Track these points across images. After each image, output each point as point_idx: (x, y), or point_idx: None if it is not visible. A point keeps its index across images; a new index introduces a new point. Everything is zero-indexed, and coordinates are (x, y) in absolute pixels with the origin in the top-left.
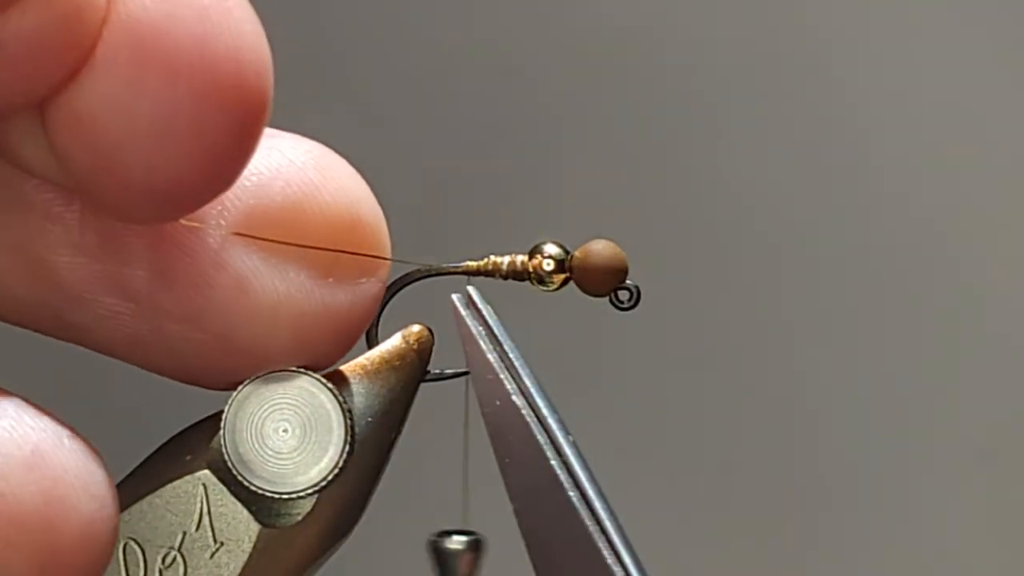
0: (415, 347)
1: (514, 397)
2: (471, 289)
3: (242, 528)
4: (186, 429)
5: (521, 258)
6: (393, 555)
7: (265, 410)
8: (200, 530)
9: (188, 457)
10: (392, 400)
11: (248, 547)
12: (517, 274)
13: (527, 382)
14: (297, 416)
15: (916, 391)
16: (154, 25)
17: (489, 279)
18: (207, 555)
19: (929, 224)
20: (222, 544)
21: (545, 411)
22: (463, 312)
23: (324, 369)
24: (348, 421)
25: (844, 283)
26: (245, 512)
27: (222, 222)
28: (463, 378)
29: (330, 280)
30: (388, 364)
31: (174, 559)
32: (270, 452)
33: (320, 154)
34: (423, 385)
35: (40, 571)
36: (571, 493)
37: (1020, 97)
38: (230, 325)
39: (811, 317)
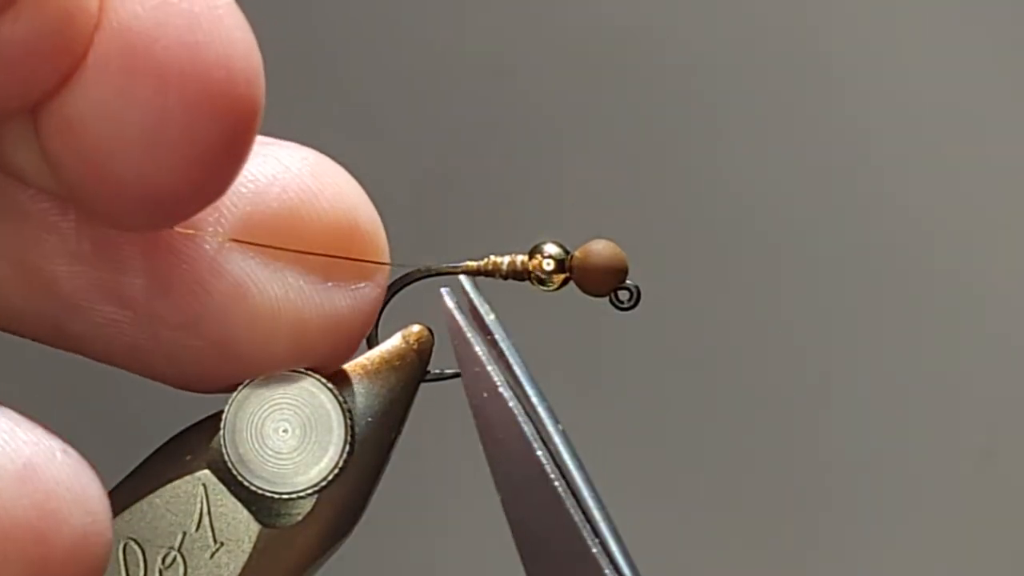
0: (415, 347)
1: (501, 389)
2: (463, 279)
3: (242, 528)
4: (186, 429)
5: (521, 258)
6: (393, 555)
7: (265, 410)
8: (200, 530)
9: (188, 457)
10: (392, 400)
11: (248, 547)
12: (517, 274)
13: (517, 372)
14: (297, 416)
15: (916, 391)
16: (145, 32)
17: (489, 279)
18: (207, 555)
19: (929, 224)
20: (222, 544)
21: (535, 400)
22: (451, 305)
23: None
24: (348, 421)
25: (844, 283)
26: (245, 512)
27: (219, 229)
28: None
29: (329, 285)
30: (388, 364)
31: (174, 559)
32: (270, 452)
33: (316, 161)
34: (423, 385)
35: None
36: (557, 483)
37: (1020, 97)
38: (229, 331)
39: (811, 317)
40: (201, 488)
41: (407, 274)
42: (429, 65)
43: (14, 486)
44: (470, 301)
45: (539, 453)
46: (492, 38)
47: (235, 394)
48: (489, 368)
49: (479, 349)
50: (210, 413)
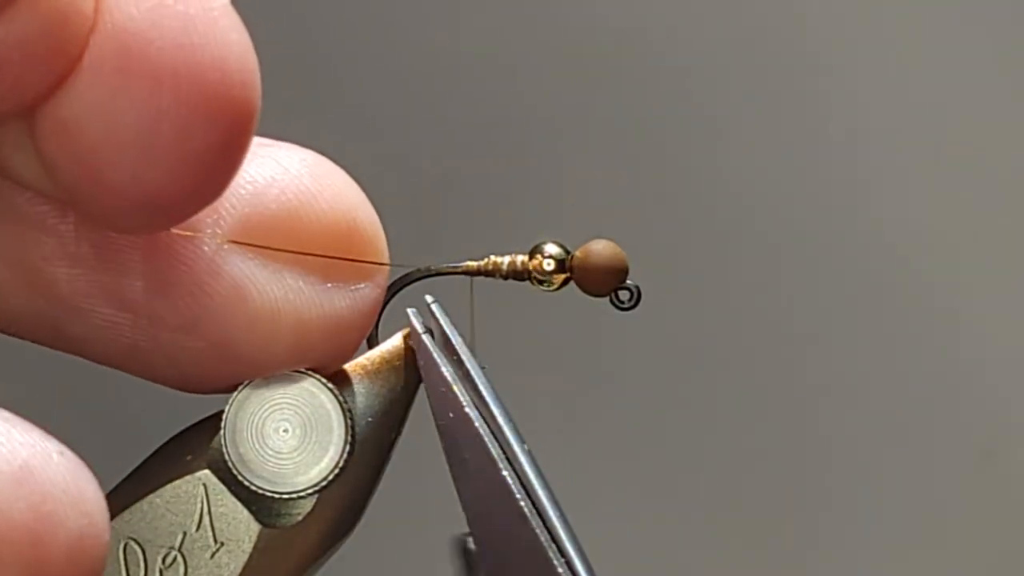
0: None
1: (467, 409)
2: (429, 298)
3: (242, 528)
4: (186, 429)
5: (521, 258)
6: (394, 555)
7: (265, 410)
8: (200, 530)
9: (188, 457)
10: (392, 400)
11: (248, 547)
12: (517, 274)
13: (484, 393)
14: (297, 416)
15: (917, 391)
16: (140, 34)
17: (489, 279)
18: (207, 555)
19: (930, 224)
20: (222, 544)
21: (501, 421)
22: (416, 324)
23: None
24: (348, 421)
25: (844, 282)
26: (245, 512)
27: (218, 230)
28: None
29: (328, 286)
30: (388, 364)
31: (174, 559)
32: (270, 452)
33: (315, 162)
34: (423, 385)
35: None
36: (523, 503)
37: (1020, 98)
38: (229, 333)
39: (811, 317)
40: (201, 488)
41: (407, 274)
42: (429, 65)
43: (10, 488)
44: (437, 322)
45: (504, 473)
46: (492, 38)
47: (235, 394)
48: (455, 388)
49: (445, 370)
50: (210, 413)
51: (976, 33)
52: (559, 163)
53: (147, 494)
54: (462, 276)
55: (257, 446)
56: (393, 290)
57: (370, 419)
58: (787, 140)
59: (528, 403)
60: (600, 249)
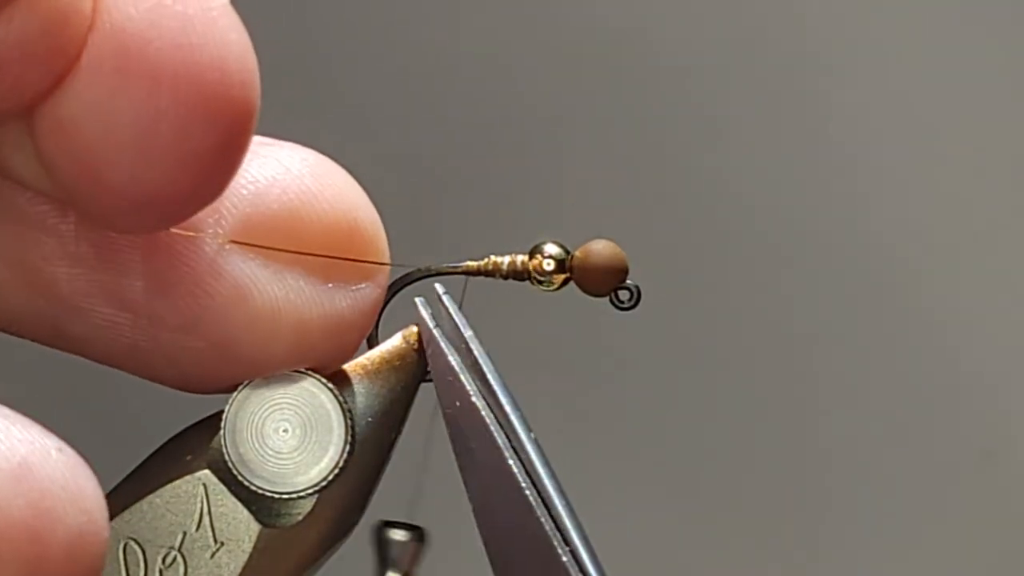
0: (415, 347)
1: (474, 398)
2: (439, 287)
3: (242, 528)
4: (186, 429)
5: (521, 258)
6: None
7: (265, 410)
8: (200, 530)
9: (188, 457)
10: (392, 400)
11: (248, 547)
12: (517, 274)
13: (492, 381)
14: (297, 416)
15: (917, 391)
16: (139, 34)
17: (489, 279)
18: (207, 555)
19: (931, 224)
20: (222, 544)
21: (508, 409)
22: (424, 315)
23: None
24: (348, 421)
25: (844, 283)
26: (245, 512)
27: (219, 230)
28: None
29: (329, 286)
30: (388, 364)
31: (174, 559)
32: (270, 452)
33: (316, 162)
34: (423, 385)
35: None
36: (528, 492)
37: (1020, 98)
38: (229, 333)
39: (811, 317)
40: (201, 488)
41: (408, 274)
42: (429, 65)
43: (9, 485)
44: (446, 309)
45: (511, 462)
46: (492, 38)
47: (235, 394)
48: (462, 377)
49: (452, 359)
50: (210, 413)
51: (976, 33)
52: (559, 163)
53: (147, 494)
54: (462, 276)
55: (257, 446)
56: (393, 290)
57: (370, 419)
58: (787, 140)
59: (528, 403)
60: (600, 249)
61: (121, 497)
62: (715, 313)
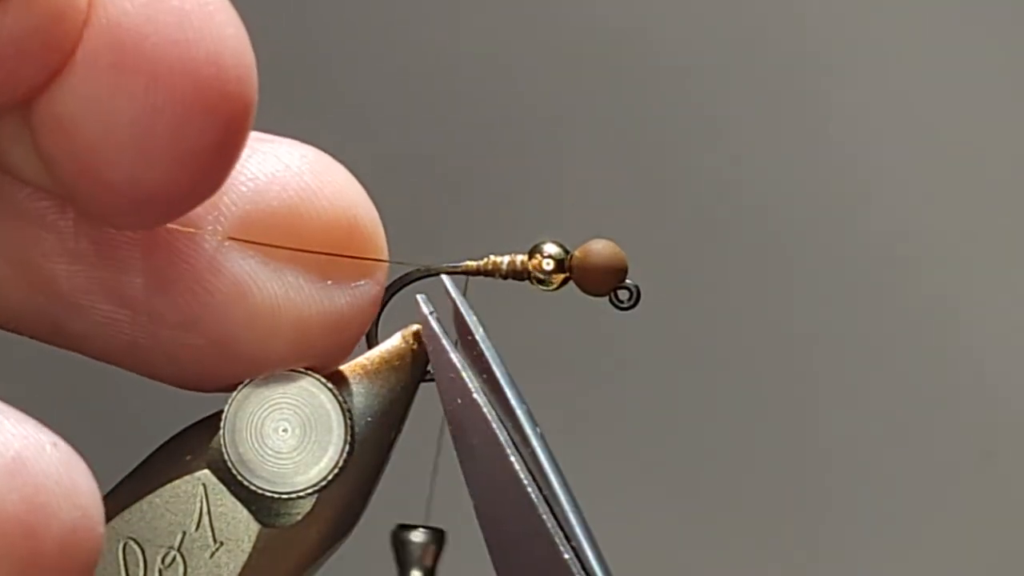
0: (415, 347)
1: (475, 395)
2: (446, 279)
3: (242, 528)
4: (186, 429)
5: (521, 258)
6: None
7: (265, 410)
8: (200, 530)
9: (188, 457)
10: (392, 400)
11: (248, 547)
12: (517, 274)
13: (497, 373)
14: (297, 416)
15: (917, 391)
16: (134, 29)
17: (489, 279)
18: (207, 555)
19: (931, 224)
20: (222, 544)
21: (514, 403)
22: (426, 312)
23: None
24: (348, 421)
25: (844, 282)
26: (245, 512)
27: (219, 227)
28: None
29: (329, 283)
30: (388, 364)
31: (174, 559)
32: (270, 452)
33: (316, 159)
34: (423, 385)
35: None
36: (530, 489)
37: (1020, 98)
38: (229, 330)
39: (811, 317)
40: (201, 488)
41: (407, 274)
42: (429, 65)
43: (3, 479)
44: (453, 301)
45: (512, 459)
46: (492, 37)
47: (235, 394)
48: (464, 375)
49: (454, 356)
50: (210, 413)
51: (976, 33)
52: (559, 163)
53: (147, 494)
54: (462, 276)
55: (256, 446)
56: (393, 290)
57: (370, 419)
58: (787, 140)
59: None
60: (600, 249)
61: (121, 497)
62: (715, 313)
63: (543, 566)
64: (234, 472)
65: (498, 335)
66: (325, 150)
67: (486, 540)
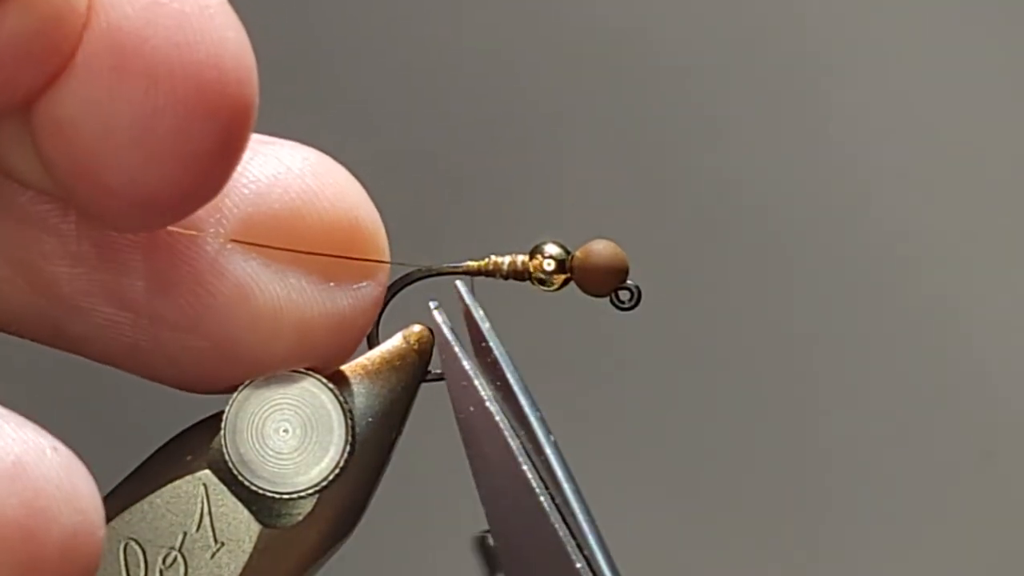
0: (416, 347)
1: (488, 403)
2: (459, 283)
3: (243, 528)
4: (186, 429)
5: (521, 258)
6: (393, 555)
7: (266, 410)
8: (201, 530)
9: (188, 457)
10: (393, 400)
11: (249, 547)
12: (517, 274)
13: (510, 379)
14: (298, 416)
15: (916, 391)
16: (135, 32)
17: (489, 279)
18: (208, 555)
19: (929, 224)
20: (223, 544)
21: (527, 410)
22: (439, 319)
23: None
24: (349, 421)
25: (844, 282)
26: (246, 512)
27: (220, 230)
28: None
29: (331, 285)
30: (389, 364)
31: (175, 559)
32: (271, 452)
33: (317, 160)
34: (423, 385)
35: None
36: (542, 497)
37: (1020, 98)
38: (230, 332)
39: (812, 317)
40: (202, 488)
41: (408, 274)
42: (429, 64)
43: (2, 484)
44: (465, 306)
45: (524, 467)
46: (493, 37)
47: (236, 394)
48: (476, 382)
49: (466, 363)
50: (211, 413)
51: (976, 33)
52: (559, 163)
53: (147, 494)
54: (462, 276)
55: (257, 446)
56: (393, 290)
57: (370, 419)
58: (787, 140)
59: None
60: (600, 249)
61: (121, 497)
62: (715, 313)
63: (556, 574)
64: (235, 472)
65: (498, 335)
66: (325, 149)
67: (498, 548)
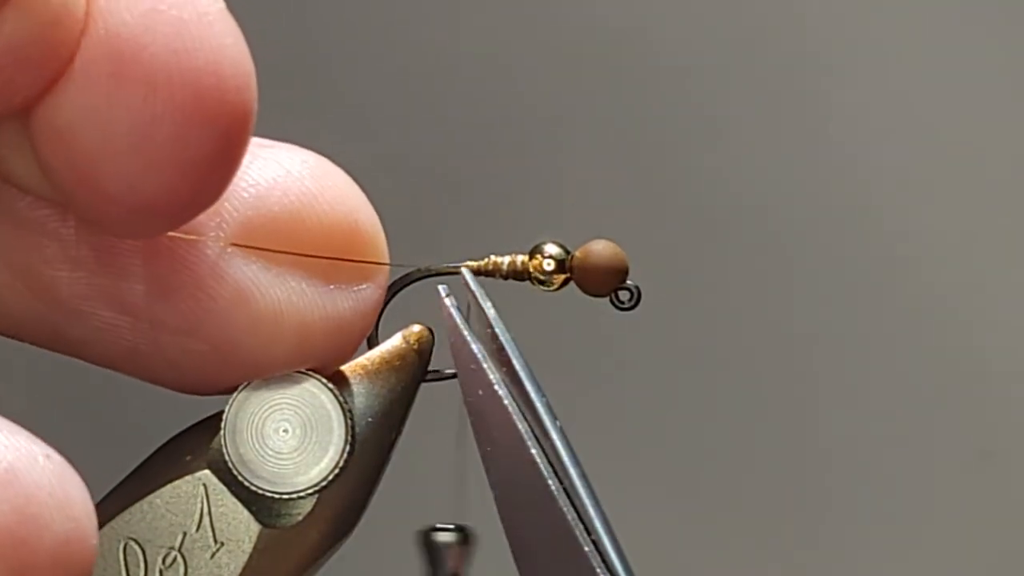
0: (415, 347)
1: (496, 387)
2: (466, 272)
3: (242, 528)
4: (186, 429)
5: (521, 258)
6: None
7: (265, 410)
8: (200, 530)
9: (188, 457)
10: (392, 400)
11: (248, 547)
12: (517, 274)
13: (517, 367)
14: (297, 416)
15: (916, 391)
16: (133, 39)
17: (489, 279)
18: (207, 555)
19: (930, 225)
20: (222, 544)
21: (533, 396)
22: (448, 304)
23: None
24: (348, 421)
25: (844, 282)
26: (245, 512)
27: (220, 234)
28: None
29: (331, 287)
30: (388, 364)
31: (175, 559)
32: (270, 452)
33: (316, 164)
34: (423, 385)
35: None
36: (551, 482)
37: (1020, 98)
38: (231, 336)
39: (812, 317)
40: (201, 488)
41: (407, 274)
42: (428, 66)
43: None
44: (472, 294)
45: (533, 451)
46: (492, 38)
47: (235, 395)
48: (485, 366)
49: (475, 347)
50: (210, 414)
51: (976, 33)
52: (559, 163)
53: (147, 494)
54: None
55: (257, 446)
56: (393, 291)
57: (370, 419)
58: (787, 140)
59: None
60: (600, 249)
61: (121, 497)
62: (715, 313)
63: (563, 558)
64: (235, 472)
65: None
66: (324, 151)
67: (506, 531)
